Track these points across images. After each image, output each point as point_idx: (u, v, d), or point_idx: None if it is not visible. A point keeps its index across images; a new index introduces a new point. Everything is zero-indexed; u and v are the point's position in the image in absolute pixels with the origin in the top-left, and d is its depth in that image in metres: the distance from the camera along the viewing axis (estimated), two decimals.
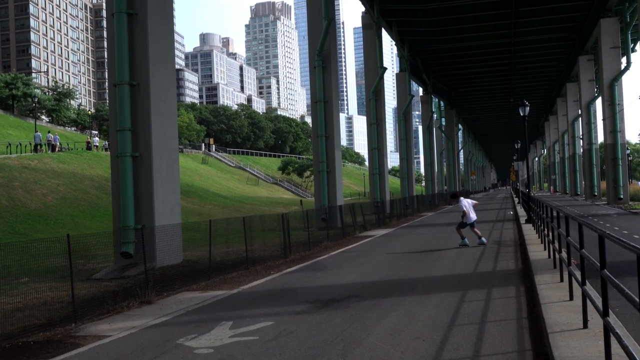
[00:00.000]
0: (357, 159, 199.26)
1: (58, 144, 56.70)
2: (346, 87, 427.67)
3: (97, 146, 62.59)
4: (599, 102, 54.08)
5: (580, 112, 62.79)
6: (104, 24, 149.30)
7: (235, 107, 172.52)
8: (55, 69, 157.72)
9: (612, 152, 47.40)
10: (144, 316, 10.57)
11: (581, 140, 65.40)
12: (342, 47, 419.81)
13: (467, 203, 19.82)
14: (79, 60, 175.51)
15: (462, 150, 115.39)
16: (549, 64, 71.71)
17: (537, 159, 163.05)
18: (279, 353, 7.45)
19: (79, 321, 10.31)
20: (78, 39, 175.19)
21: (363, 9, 49.60)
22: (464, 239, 19.45)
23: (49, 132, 59.07)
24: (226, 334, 8.66)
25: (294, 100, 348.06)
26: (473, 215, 19.58)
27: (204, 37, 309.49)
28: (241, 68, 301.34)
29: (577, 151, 71.54)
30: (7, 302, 11.13)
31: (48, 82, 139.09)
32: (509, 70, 71.85)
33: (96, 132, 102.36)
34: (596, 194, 57.79)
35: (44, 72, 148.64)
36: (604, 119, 47.90)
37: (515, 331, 7.96)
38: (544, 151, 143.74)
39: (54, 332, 9.66)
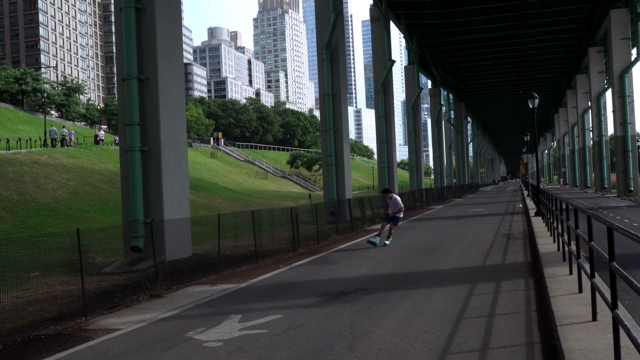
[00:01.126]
0: (365, 152, 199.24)
1: (73, 138, 58.01)
2: (354, 80, 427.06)
3: (103, 140, 62.62)
4: (609, 94, 53.77)
5: (590, 104, 62.41)
6: (113, 18, 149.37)
7: (244, 101, 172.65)
8: (64, 64, 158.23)
9: (622, 144, 47.13)
10: (153, 310, 10.62)
11: (591, 133, 65.03)
12: (350, 40, 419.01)
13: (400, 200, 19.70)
14: (88, 55, 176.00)
15: (471, 143, 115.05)
16: (558, 55, 71.29)
17: (546, 151, 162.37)
18: (287, 346, 7.47)
19: (89, 315, 10.37)
20: (87, 33, 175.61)
21: (371, 1, 49.44)
22: (389, 238, 19.11)
23: (63, 127, 59.70)
24: (235, 327, 8.70)
25: (302, 93, 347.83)
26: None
27: (212, 31, 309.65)
28: (249, 62, 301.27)
29: (587, 143, 71.16)
30: (18, 295, 11.21)
31: (57, 77, 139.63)
32: (518, 63, 71.50)
33: (105, 126, 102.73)
34: (606, 186, 57.49)
35: (53, 67, 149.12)
36: (614, 111, 47.61)
37: (524, 324, 7.96)
38: (553, 143, 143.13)
39: (65, 325, 9.72)
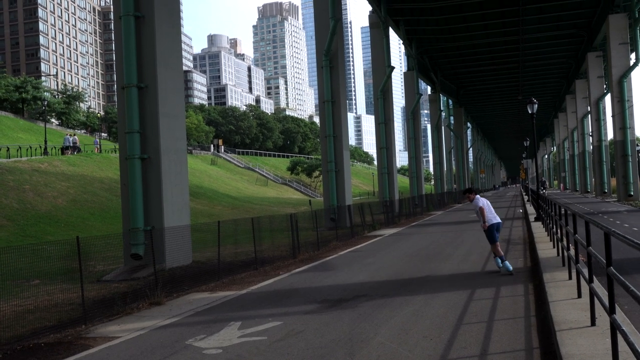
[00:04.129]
0: (365, 158, 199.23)
1: (98, 146, 60.72)
2: (354, 86, 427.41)
3: (72, 147, 54.00)
4: (608, 99, 53.84)
5: (589, 109, 62.51)
6: (112, 26, 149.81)
7: (244, 107, 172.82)
8: (64, 72, 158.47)
9: (622, 148, 47.16)
10: (153, 317, 10.63)
11: (591, 137, 65.10)
12: (350, 46, 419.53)
13: (486, 203, 13.57)
14: (88, 63, 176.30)
15: (471, 149, 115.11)
16: (558, 61, 71.43)
17: (546, 156, 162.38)
18: (287, 353, 7.48)
19: (89, 323, 10.38)
20: (87, 42, 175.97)
21: (370, 8, 49.59)
22: (504, 261, 13.14)
23: (74, 135, 61.05)
24: (235, 335, 8.70)
25: (302, 100, 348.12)
26: (496, 217, 13.48)
27: (211, 39, 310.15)
28: (249, 69, 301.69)
29: (587, 148, 71.25)
30: (18, 304, 11.24)
31: (57, 85, 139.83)
32: (517, 68, 71.64)
33: (105, 134, 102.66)
34: (606, 191, 57.50)
35: (54, 75, 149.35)
36: (613, 116, 47.66)
37: (523, 329, 7.97)
38: (553, 148, 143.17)
39: (65, 333, 9.73)
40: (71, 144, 54.54)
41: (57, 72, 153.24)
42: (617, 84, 46.44)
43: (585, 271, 7.21)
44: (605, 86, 59.22)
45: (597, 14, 52.66)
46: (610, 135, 65.45)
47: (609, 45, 47.49)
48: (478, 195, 13.68)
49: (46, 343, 9.18)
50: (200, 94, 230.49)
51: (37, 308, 11.34)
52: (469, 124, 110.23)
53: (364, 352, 7.27)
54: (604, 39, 51.31)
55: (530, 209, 34.59)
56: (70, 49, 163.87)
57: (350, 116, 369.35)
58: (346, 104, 35.12)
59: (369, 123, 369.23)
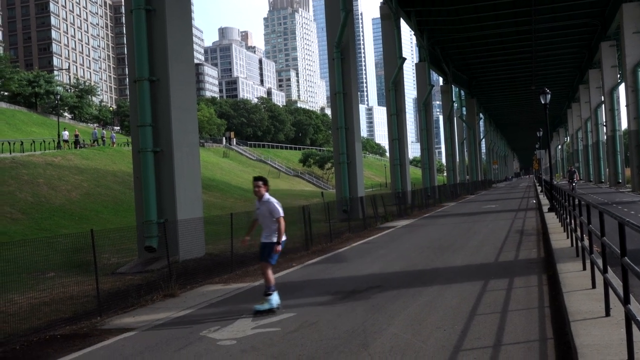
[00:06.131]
0: (377, 150, 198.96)
1: (115, 140, 62.48)
2: (366, 78, 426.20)
3: (67, 141, 55.06)
4: (622, 88, 53.39)
5: (603, 99, 61.98)
6: (124, 20, 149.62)
7: (255, 100, 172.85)
8: (76, 66, 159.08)
9: (636, 138, 46.72)
10: (167, 309, 10.70)
11: (604, 127, 64.57)
12: (361, 38, 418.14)
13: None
14: (100, 57, 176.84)
15: (483, 140, 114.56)
16: (571, 50, 70.84)
17: (560, 147, 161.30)
18: (300, 344, 7.50)
19: (104, 314, 10.47)
20: (98, 35, 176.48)
21: None
22: (271, 292, 9.61)
23: (102, 130, 63.84)
24: (249, 326, 8.74)
25: (313, 92, 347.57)
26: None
27: (222, 31, 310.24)
28: (260, 61, 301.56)
29: (601, 138, 70.66)
30: (34, 296, 11.35)
31: (70, 79, 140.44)
32: (530, 58, 71.09)
33: (116, 127, 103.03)
34: (620, 181, 57.06)
35: (66, 69, 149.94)
36: (627, 105, 47.22)
37: (537, 320, 7.94)
38: (567, 139, 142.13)
39: (80, 325, 9.81)
40: (97, 138, 60.00)
41: (69, 66, 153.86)
42: (631, 73, 45.98)
43: (600, 261, 7.17)
44: (619, 76, 58.65)
45: (611, 2, 52.14)
46: (624, 125, 64.79)
47: (622, 34, 47.02)
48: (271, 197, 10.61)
49: (62, 335, 9.27)
50: (212, 87, 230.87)
51: (52, 300, 11.44)
52: (481, 115, 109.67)
53: (378, 343, 7.28)
54: (618, 28, 50.78)
55: (544, 199, 34.42)
56: (82, 43, 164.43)
57: (362, 108, 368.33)
58: (358, 96, 35.05)
59: (380, 115, 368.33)
